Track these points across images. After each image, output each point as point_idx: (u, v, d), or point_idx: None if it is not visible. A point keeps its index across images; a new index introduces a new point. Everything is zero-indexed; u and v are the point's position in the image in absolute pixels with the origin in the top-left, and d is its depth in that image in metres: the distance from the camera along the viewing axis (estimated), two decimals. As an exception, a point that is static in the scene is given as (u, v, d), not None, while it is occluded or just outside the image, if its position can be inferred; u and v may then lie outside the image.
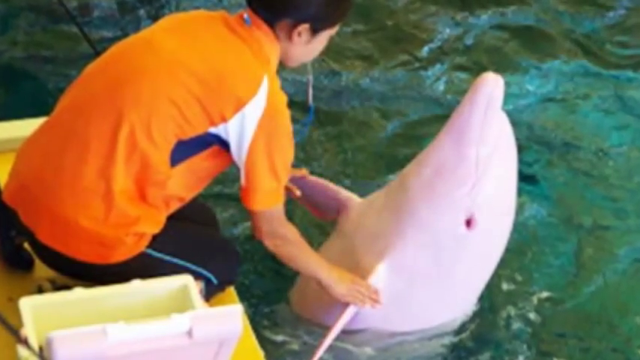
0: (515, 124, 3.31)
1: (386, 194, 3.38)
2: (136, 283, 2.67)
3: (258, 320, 3.56)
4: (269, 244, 3.04)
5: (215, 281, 3.07)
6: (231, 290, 3.21)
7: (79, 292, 2.64)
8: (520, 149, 3.36)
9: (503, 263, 3.54)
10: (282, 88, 2.92)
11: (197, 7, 3.11)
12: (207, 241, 3.13)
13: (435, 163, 3.22)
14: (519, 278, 3.90)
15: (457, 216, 3.23)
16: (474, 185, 3.19)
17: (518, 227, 3.67)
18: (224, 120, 2.82)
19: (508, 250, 3.50)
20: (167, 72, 2.83)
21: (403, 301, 3.32)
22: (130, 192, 2.82)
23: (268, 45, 2.92)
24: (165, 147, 2.82)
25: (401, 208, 3.27)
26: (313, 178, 3.61)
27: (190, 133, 2.83)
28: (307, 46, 2.98)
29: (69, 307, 2.60)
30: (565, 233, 4.22)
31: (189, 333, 2.48)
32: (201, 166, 2.92)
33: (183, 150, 2.85)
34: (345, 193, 3.56)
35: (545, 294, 3.85)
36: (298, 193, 3.44)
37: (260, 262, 3.85)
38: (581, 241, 4.18)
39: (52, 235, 2.87)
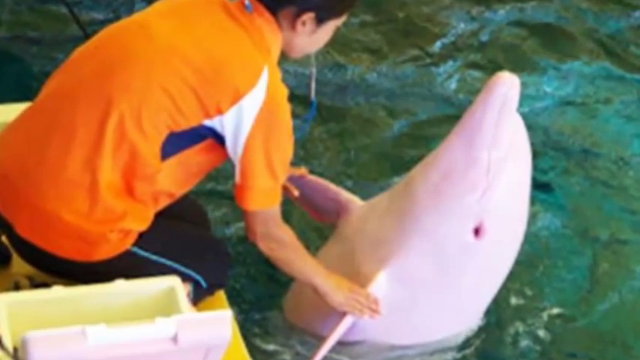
0: (530, 127, 3.31)
1: (390, 198, 3.39)
2: (120, 283, 2.68)
3: (249, 327, 3.56)
4: (263, 246, 3.04)
5: (204, 284, 3.07)
6: (220, 294, 3.22)
7: (59, 291, 2.64)
8: (535, 155, 3.36)
9: (512, 276, 3.54)
10: (283, 80, 2.93)
11: (195, -9, 3.12)
12: (197, 242, 3.13)
13: (443, 166, 3.22)
14: (529, 292, 3.90)
15: (465, 223, 3.23)
16: (484, 191, 3.19)
17: (529, 238, 3.67)
18: (220, 112, 2.82)
19: (518, 262, 3.50)
20: (161, 59, 2.84)
21: (404, 313, 3.32)
22: (116, 186, 2.83)
23: (270, 34, 2.92)
24: (156, 139, 2.82)
25: (405, 213, 3.27)
26: (313, 178, 3.61)
27: (183, 124, 2.83)
28: (311, 37, 2.98)
29: (47, 306, 2.61)
30: (580, 246, 4.22)
31: (175, 338, 2.48)
32: (194, 160, 2.92)
33: (175, 142, 2.85)
34: (346, 195, 3.56)
35: (556, 310, 3.85)
36: (296, 193, 3.44)
37: (253, 266, 3.85)
38: (597, 255, 4.18)
39: (32, 229, 2.88)
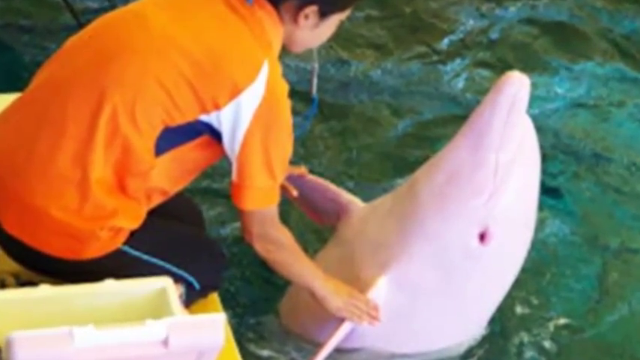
0: (540, 130, 3.31)
1: (392, 200, 3.39)
2: (109, 284, 2.68)
3: (243, 332, 3.56)
4: (260, 248, 3.04)
5: (197, 286, 3.07)
6: (214, 297, 3.22)
7: (46, 290, 2.64)
8: (544, 158, 3.36)
9: (518, 284, 3.54)
10: (284, 75, 2.93)
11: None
12: (191, 241, 3.13)
13: (449, 168, 3.22)
14: (535, 302, 3.89)
15: (470, 228, 3.23)
16: (490, 195, 3.19)
17: (537, 245, 3.67)
18: (217, 107, 2.82)
19: (524, 270, 3.50)
20: (157, 51, 2.83)
21: (405, 320, 3.32)
22: (108, 182, 2.82)
23: (271, 27, 2.92)
24: (150, 133, 2.82)
25: (408, 216, 3.27)
26: (312, 178, 3.61)
27: (179, 119, 2.83)
28: (314, 31, 2.98)
29: (33, 305, 2.60)
30: (589, 254, 4.22)
31: (165, 342, 2.48)
32: (189, 157, 2.92)
33: (170, 138, 2.85)
34: (346, 196, 3.56)
35: (563, 320, 3.85)
36: (295, 193, 3.44)
37: (248, 268, 3.85)
38: (607, 263, 4.18)
39: (20, 225, 2.88)
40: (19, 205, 2.86)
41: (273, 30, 2.93)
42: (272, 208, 2.98)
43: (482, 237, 3.24)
